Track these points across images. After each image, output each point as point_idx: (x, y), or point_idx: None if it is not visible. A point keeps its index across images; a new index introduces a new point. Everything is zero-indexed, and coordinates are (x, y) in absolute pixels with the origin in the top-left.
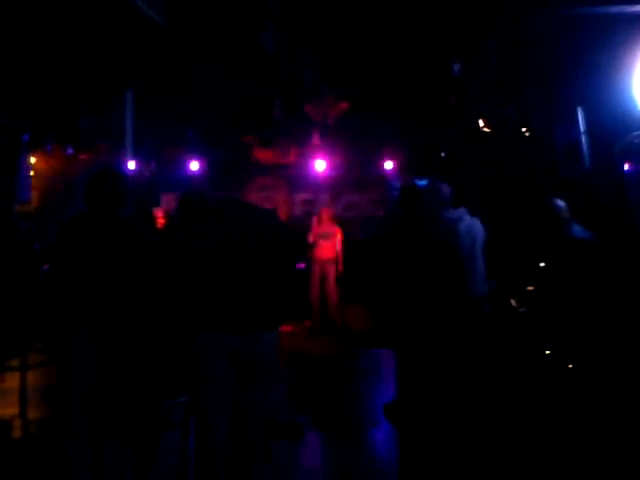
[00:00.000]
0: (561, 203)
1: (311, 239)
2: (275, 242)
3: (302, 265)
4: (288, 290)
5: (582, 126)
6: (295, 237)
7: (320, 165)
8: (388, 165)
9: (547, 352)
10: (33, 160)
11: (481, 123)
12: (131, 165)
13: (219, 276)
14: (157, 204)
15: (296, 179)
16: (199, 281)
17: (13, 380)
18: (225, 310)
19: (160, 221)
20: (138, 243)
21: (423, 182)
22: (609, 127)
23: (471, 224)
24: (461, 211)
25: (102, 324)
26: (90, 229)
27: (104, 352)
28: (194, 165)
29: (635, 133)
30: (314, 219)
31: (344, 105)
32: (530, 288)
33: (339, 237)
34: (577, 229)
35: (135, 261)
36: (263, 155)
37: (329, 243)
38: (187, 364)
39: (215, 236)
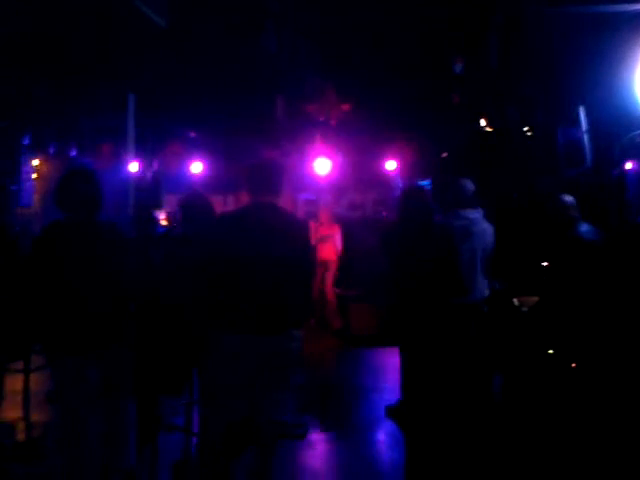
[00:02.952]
0: (570, 200)
1: (312, 241)
2: (302, 246)
3: None
4: (310, 290)
5: (584, 125)
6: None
7: (323, 166)
8: (391, 165)
9: (550, 351)
10: (36, 163)
11: (483, 122)
12: (134, 167)
13: (253, 276)
14: (160, 205)
15: (299, 180)
16: (233, 282)
17: (16, 383)
18: (257, 311)
19: (163, 222)
20: (119, 247)
21: (425, 182)
22: (611, 126)
23: (483, 228)
24: (478, 211)
25: (94, 334)
26: (70, 239)
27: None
28: (196, 166)
29: (636, 132)
30: (312, 224)
31: (346, 106)
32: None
33: (338, 237)
34: (585, 228)
35: (119, 265)
36: (265, 155)
37: (329, 244)
38: (207, 364)
39: (251, 239)
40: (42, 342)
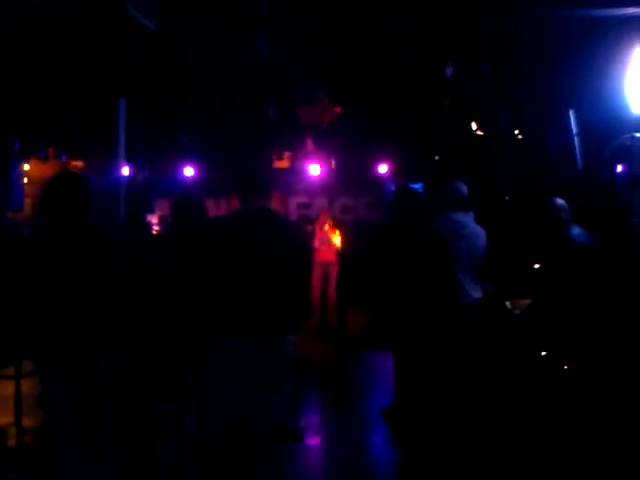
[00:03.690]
0: (561, 203)
1: (316, 244)
2: (297, 250)
3: None
4: (307, 294)
5: (574, 128)
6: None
7: (315, 169)
8: (383, 168)
9: (543, 354)
10: (27, 167)
11: (474, 126)
12: (125, 171)
13: (249, 282)
14: (152, 209)
15: (291, 183)
16: (229, 286)
17: (8, 388)
18: (253, 315)
19: (155, 227)
20: (108, 251)
21: (418, 185)
22: (601, 129)
23: (474, 232)
24: (469, 215)
25: (80, 340)
26: (58, 243)
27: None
28: (188, 170)
29: (626, 135)
30: (316, 225)
31: (338, 109)
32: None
33: (339, 239)
34: (576, 231)
35: (108, 269)
36: (257, 159)
37: (330, 247)
38: (203, 367)
39: (245, 243)
40: (31, 347)
